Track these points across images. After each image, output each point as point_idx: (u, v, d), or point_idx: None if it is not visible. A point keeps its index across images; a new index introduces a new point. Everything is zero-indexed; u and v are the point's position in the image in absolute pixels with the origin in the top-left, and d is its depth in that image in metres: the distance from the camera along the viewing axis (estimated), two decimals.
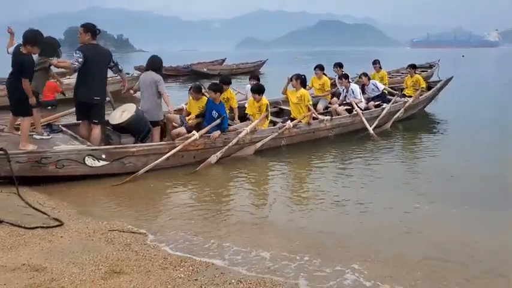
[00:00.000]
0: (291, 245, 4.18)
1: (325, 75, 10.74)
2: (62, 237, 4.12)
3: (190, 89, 8.03)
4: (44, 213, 4.70)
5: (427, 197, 5.63)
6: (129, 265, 3.59)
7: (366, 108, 9.92)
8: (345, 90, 10.13)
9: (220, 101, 7.66)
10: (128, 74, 16.82)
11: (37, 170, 5.78)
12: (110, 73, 6.95)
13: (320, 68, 10.55)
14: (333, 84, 11.19)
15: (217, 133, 7.25)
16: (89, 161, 6.09)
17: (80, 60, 6.36)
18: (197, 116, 7.82)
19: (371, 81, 10.84)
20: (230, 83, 8.70)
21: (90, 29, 6.56)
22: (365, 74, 10.79)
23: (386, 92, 10.87)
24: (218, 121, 7.40)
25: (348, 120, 9.27)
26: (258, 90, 8.16)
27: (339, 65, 11.01)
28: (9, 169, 5.39)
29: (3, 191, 5.39)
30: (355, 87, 10.08)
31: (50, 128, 7.20)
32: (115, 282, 3.28)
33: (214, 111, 7.45)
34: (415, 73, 11.55)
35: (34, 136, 6.65)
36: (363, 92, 10.46)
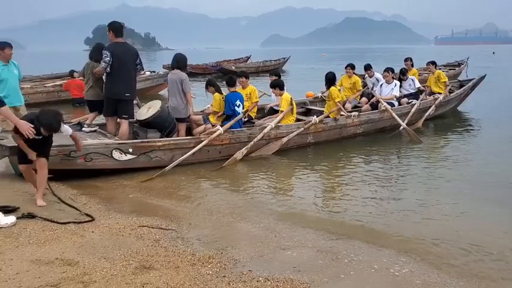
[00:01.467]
0: (317, 244, 4.15)
1: (356, 74, 10.60)
2: (93, 232, 4.20)
3: (206, 86, 8.14)
4: (76, 208, 4.81)
5: (468, 199, 5.49)
6: (158, 261, 3.63)
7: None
8: (380, 83, 10.00)
9: (234, 91, 7.89)
10: (154, 72, 17.08)
11: (66, 163, 5.92)
12: None
13: (351, 66, 10.40)
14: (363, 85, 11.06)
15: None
16: (116, 155, 6.22)
17: (107, 59, 6.55)
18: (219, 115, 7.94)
19: (409, 77, 10.69)
20: (248, 77, 8.79)
21: (112, 27, 6.77)
22: (392, 71, 10.58)
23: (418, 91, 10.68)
24: (241, 115, 7.56)
25: (376, 116, 9.13)
26: (275, 85, 8.20)
27: (370, 67, 10.90)
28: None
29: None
30: (398, 83, 9.96)
31: (80, 126, 7.36)
32: (145, 278, 3.33)
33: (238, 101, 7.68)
34: (436, 68, 11.31)
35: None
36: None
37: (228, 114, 7.72)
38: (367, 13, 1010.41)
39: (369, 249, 4.03)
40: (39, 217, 4.43)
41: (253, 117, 8.53)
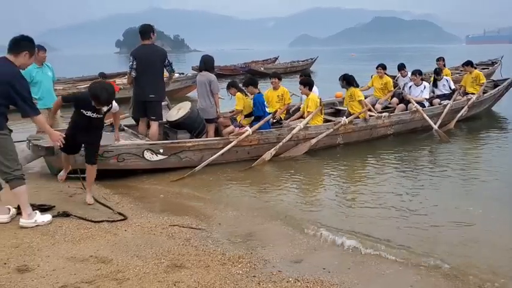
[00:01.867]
0: (345, 246, 4.12)
1: (387, 74, 10.46)
2: (126, 231, 4.29)
3: (228, 87, 8.17)
4: (109, 207, 4.92)
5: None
6: (189, 260, 3.68)
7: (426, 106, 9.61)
8: (408, 85, 9.87)
9: (259, 92, 7.93)
10: (182, 74, 17.25)
11: (100, 163, 6.04)
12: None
13: (382, 67, 10.28)
14: (395, 86, 10.90)
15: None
16: (148, 155, 6.33)
17: (130, 64, 6.75)
18: (247, 116, 7.97)
19: (444, 77, 10.50)
20: (281, 78, 8.77)
21: (139, 30, 6.98)
22: (420, 73, 10.37)
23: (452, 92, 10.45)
24: (270, 116, 7.60)
25: (407, 117, 9.00)
26: (305, 83, 8.15)
27: (404, 66, 10.74)
28: (73, 162, 5.70)
29: (70, 186, 5.68)
30: (427, 85, 9.79)
31: (112, 127, 7.50)
32: (177, 276, 3.38)
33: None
34: (474, 68, 11.04)
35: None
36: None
37: (257, 116, 7.75)
38: (396, 12, 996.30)
39: (397, 253, 3.98)
40: (74, 216, 4.56)
41: (283, 118, 8.54)
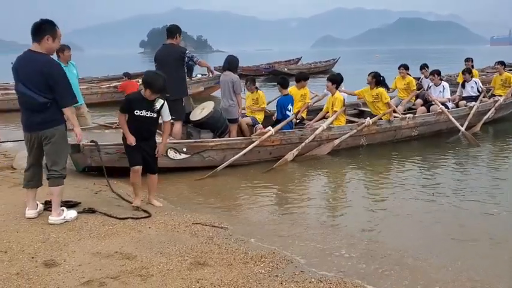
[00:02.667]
0: (368, 249, 4.09)
1: (409, 75, 10.34)
2: (150, 228, 4.33)
3: (246, 82, 8.22)
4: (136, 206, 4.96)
5: None
6: (212, 258, 3.70)
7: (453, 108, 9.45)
8: (431, 86, 9.73)
9: (287, 94, 7.94)
10: (205, 74, 17.31)
11: (124, 161, 6.12)
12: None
13: (405, 67, 10.16)
14: (419, 87, 10.75)
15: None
16: (171, 154, 6.39)
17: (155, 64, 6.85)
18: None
19: (473, 79, 10.32)
20: (307, 79, 8.76)
21: (166, 29, 7.13)
22: (439, 73, 10.16)
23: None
24: (293, 116, 7.57)
25: (432, 119, 8.86)
26: (333, 80, 8.09)
27: (426, 66, 10.60)
28: (99, 159, 5.79)
29: (96, 183, 5.78)
30: (446, 85, 9.63)
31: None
32: (200, 274, 3.40)
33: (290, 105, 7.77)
34: (504, 70, 10.81)
35: None
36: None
37: (278, 119, 7.75)
38: (421, 13, 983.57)
39: (422, 258, 3.93)
40: (100, 212, 4.63)
41: (304, 117, 8.51)
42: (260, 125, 7.82)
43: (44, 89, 4.15)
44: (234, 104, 7.50)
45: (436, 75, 9.59)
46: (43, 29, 4.23)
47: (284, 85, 8.00)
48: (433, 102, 9.19)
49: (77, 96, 7.06)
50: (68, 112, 4.34)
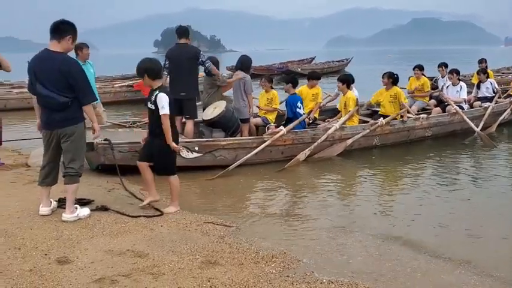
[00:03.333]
0: (379, 251, 4.05)
1: (424, 75, 10.24)
2: (161, 226, 4.35)
3: (261, 80, 8.25)
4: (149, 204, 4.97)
5: None
6: (223, 257, 3.71)
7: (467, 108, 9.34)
8: (446, 84, 9.62)
9: (294, 93, 7.92)
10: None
11: (135, 159, 6.17)
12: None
13: (419, 68, 10.08)
14: (434, 87, 10.64)
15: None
16: (184, 153, 6.41)
17: (163, 63, 6.79)
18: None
19: (489, 79, 10.20)
20: (319, 78, 8.74)
21: (176, 31, 7.15)
22: (457, 72, 10.02)
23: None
24: (305, 116, 7.57)
25: (446, 119, 8.77)
26: (344, 79, 8.04)
27: (444, 65, 10.49)
28: (112, 157, 5.83)
29: (109, 181, 5.83)
30: (464, 85, 9.53)
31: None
32: (211, 272, 3.41)
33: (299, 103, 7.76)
34: None
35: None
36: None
37: (289, 117, 7.74)
38: (435, 13, 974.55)
39: (434, 261, 3.89)
40: (112, 210, 4.66)
41: (317, 117, 8.48)
42: (272, 125, 7.81)
43: (63, 88, 4.19)
44: (245, 104, 7.51)
45: (454, 74, 9.50)
46: (66, 29, 4.27)
47: (295, 84, 8.00)
48: (447, 103, 9.09)
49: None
50: (88, 109, 4.38)
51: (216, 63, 7.56)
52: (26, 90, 13.52)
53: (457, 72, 9.62)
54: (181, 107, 7.01)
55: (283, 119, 8.06)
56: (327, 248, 4.07)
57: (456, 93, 9.33)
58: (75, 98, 4.25)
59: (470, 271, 3.67)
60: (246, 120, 7.58)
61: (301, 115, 7.63)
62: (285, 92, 8.04)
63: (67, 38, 4.25)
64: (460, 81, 9.56)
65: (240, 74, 7.50)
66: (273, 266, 3.60)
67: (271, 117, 8.05)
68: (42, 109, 4.36)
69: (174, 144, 4.62)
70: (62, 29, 4.26)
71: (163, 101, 4.54)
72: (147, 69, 4.55)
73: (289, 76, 8.61)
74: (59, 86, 4.17)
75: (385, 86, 8.40)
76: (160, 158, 4.71)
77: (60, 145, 4.34)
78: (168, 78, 6.95)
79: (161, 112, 4.54)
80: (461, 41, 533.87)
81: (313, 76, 8.62)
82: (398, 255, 3.95)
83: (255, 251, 3.85)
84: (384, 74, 8.46)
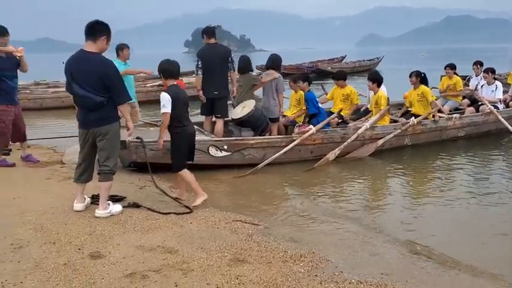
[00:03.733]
0: (409, 252, 4.01)
1: (457, 74, 10.01)
2: (191, 223, 4.41)
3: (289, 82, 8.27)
4: (177, 200, 5.07)
5: None
6: (251, 255, 3.72)
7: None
8: (480, 83, 9.40)
9: (309, 90, 7.93)
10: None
11: (167, 158, 6.24)
12: None
13: (451, 67, 9.86)
14: (465, 85, 10.39)
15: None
16: (213, 151, 6.48)
17: (196, 64, 6.95)
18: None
19: None
20: (345, 77, 8.65)
21: (204, 31, 7.17)
22: (493, 71, 9.74)
23: None
24: (335, 115, 7.53)
25: (480, 119, 8.56)
26: (374, 79, 7.97)
27: (480, 63, 10.23)
28: (144, 155, 5.93)
29: (140, 179, 5.94)
30: (499, 84, 9.29)
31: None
32: (239, 270, 3.43)
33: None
34: None
35: None
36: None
37: (312, 113, 7.74)
38: (470, 11, 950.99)
39: (464, 266, 3.82)
40: (144, 207, 4.75)
41: (348, 117, 8.40)
42: (301, 124, 7.80)
43: (99, 89, 4.28)
44: (275, 103, 7.51)
45: (490, 73, 9.27)
46: (100, 29, 4.36)
47: (309, 82, 8.04)
48: (481, 102, 8.87)
49: (132, 94, 7.34)
50: (123, 109, 4.49)
51: (248, 61, 7.66)
52: (60, 89, 14.00)
53: (493, 71, 9.37)
54: (213, 106, 7.08)
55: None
56: (356, 249, 4.04)
57: (491, 92, 9.10)
58: (110, 98, 4.35)
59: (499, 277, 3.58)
60: (275, 120, 7.58)
61: (323, 111, 7.64)
62: (301, 90, 8.00)
63: (102, 38, 4.35)
64: (496, 80, 9.32)
65: (276, 73, 7.50)
66: (301, 265, 3.59)
67: (300, 119, 8.05)
68: (78, 108, 4.48)
69: (160, 141, 5.00)
70: (97, 29, 4.35)
71: (163, 100, 4.71)
72: (163, 70, 4.87)
73: (302, 74, 8.55)
74: (96, 86, 4.27)
75: (413, 86, 8.29)
76: (171, 153, 4.98)
77: (96, 143, 4.45)
78: (201, 78, 7.01)
79: (161, 111, 4.75)
80: (498, 39, 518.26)
81: (339, 76, 8.53)
82: (428, 258, 3.89)
83: (283, 250, 3.86)
84: (412, 72, 8.36)
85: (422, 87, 8.18)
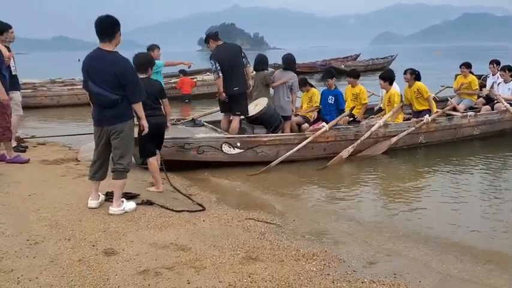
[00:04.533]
0: (423, 252, 3.97)
1: (472, 73, 9.89)
2: (204, 221, 4.42)
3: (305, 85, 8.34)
4: (190, 198, 5.10)
5: None
6: (264, 253, 3.73)
7: None
8: (497, 82, 9.28)
9: (335, 87, 7.87)
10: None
11: (180, 155, 6.33)
12: None
13: (466, 65, 9.73)
14: (482, 86, 10.26)
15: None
16: (226, 148, 6.50)
17: (214, 67, 6.91)
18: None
19: None
20: (358, 76, 8.55)
21: (208, 36, 7.22)
22: (510, 69, 9.58)
23: None
24: (348, 113, 7.55)
25: (496, 117, 8.45)
26: (386, 77, 7.93)
27: (496, 62, 10.09)
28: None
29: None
30: None
31: (193, 122, 7.79)
32: (251, 268, 3.44)
33: (330, 96, 7.74)
34: None
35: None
36: None
37: (342, 109, 7.80)
38: (486, 8, 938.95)
39: (480, 267, 3.78)
40: (157, 204, 4.77)
41: (360, 117, 8.35)
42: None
43: (115, 87, 4.31)
44: (289, 101, 7.56)
45: (507, 71, 9.14)
46: (112, 26, 4.36)
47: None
48: (497, 100, 8.75)
49: None
50: (137, 107, 4.52)
51: (264, 60, 7.73)
52: (76, 87, 14.18)
53: (510, 68, 9.23)
54: (232, 104, 7.05)
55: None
56: (369, 248, 4.01)
57: (508, 90, 8.98)
58: (125, 96, 4.38)
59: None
60: (288, 118, 7.59)
61: (332, 104, 7.74)
62: (328, 87, 8.04)
63: (118, 34, 4.39)
64: None
65: (287, 77, 7.53)
66: (314, 264, 3.59)
67: (310, 114, 8.10)
68: (94, 106, 4.52)
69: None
70: (110, 26, 4.35)
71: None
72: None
73: (327, 73, 8.54)
74: (111, 85, 4.30)
75: (407, 83, 8.24)
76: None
77: (110, 141, 4.49)
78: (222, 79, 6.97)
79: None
80: None
81: (352, 74, 8.47)
82: (441, 258, 3.85)
83: (295, 249, 3.85)
84: (406, 70, 8.29)
85: (418, 83, 8.10)
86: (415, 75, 8.15)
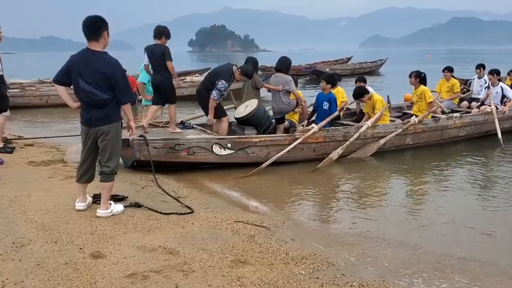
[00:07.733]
0: (410, 254, 4.00)
1: (454, 77, 10.11)
2: (193, 224, 4.39)
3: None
4: (178, 200, 5.07)
5: None
6: (253, 256, 3.71)
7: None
8: (484, 86, 9.40)
9: (330, 91, 7.81)
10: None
11: (171, 156, 6.29)
12: None
13: (449, 69, 9.97)
14: (465, 89, 10.44)
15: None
16: (216, 149, 6.48)
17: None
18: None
19: None
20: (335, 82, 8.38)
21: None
22: (498, 73, 9.67)
23: None
24: (336, 113, 7.58)
25: (480, 118, 8.56)
26: (357, 95, 8.05)
27: (483, 66, 10.24)
28: (147, 153, 5.93)
29: (142, 178, 5.93)
30: (505, 87, 9.29)
31: (183, 124, 7.74)
32: (240, 271, 3.42)
33: (325, 102, 7.64)
34: None
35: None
36: None
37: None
38: (476, 13, 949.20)
39: (472, 264, 3.83)
40: (145, 207, 4.73)
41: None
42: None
43: (105, 87, 4.27)
44: (288, 104, 7.63)
45: (494, 75, 9.27)
46: (99, 26, 4.28)
47: (333, 84, 8.01)
48: (485, 103, 8.92)
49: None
50: (126, 108, 4.47)
51: (256, 64, 7.80)
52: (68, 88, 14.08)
53: (498, 72, 9.38)
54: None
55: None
56: (358, 251, 4.02)
57: (496, 94, 9.12)
58: (114, 97, 4.34)
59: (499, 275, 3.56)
60: (281, 120, 7.68)
61: (326, 110, 7.67)
62: (322, 90, 7.99)
63: (104, 34, 4.31)
64: (500, 82, 9.34)
65: (281, 84, 7.53)
66: (303, 267, 3.58)
67: (295, 117, 8.12)
68: (82, 105, 4.46)
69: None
70: (97, 27, 4.28)
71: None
72: None
73: (329, 76, 8.47)
74: (101, 85, 4.25)
75: (413, 86, 8.37)
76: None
77: (97, 143, 4.44)
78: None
79: None
80: (504, 40, 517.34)
81: (326, 79, 8.29)
82: (430, 260, 3.87)
83: (284, 252, 3.84)
84: (411, 73, 8.41)
85: (422, 87, 8.28)
86: (420, 78, 8.22)
